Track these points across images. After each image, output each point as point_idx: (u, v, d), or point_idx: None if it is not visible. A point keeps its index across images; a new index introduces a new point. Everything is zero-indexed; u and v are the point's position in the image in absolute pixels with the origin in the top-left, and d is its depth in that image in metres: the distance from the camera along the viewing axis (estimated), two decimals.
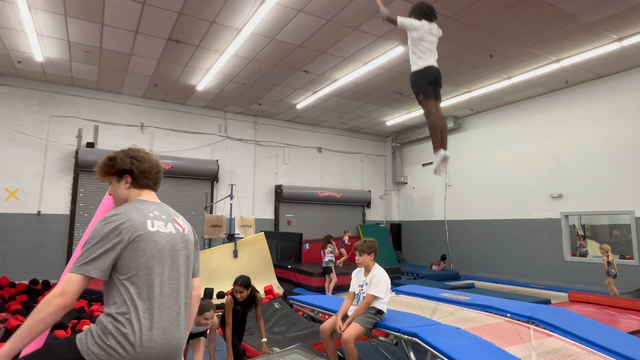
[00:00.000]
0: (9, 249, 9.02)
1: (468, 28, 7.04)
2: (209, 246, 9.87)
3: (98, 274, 1.55)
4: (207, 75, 9.15)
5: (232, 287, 3.95)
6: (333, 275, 8.28)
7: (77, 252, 1.78)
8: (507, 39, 7.44)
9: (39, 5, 6.42)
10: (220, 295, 7.34)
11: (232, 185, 9.97)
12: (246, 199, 11.99)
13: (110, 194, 1.90)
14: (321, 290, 8.48)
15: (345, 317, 3.62)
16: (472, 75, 9.18)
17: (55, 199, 9.66)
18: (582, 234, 11.01)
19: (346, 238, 10.53)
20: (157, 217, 1.74)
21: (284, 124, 13.18)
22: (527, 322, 3.95)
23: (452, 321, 4.07)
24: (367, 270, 3.72)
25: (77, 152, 9.80)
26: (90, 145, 10.07)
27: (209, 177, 11.55)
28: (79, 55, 8.26)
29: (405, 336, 3.34)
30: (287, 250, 11.09)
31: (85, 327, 4.71)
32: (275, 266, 9.53)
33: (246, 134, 12.49)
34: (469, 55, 8.14)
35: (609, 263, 7.45)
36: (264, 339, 4.11)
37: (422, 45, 3.78)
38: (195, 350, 3.55)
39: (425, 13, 3.90)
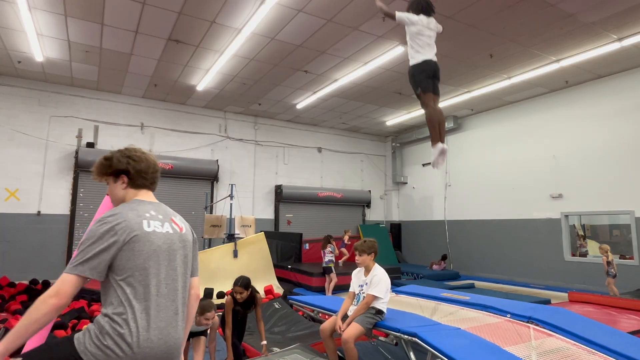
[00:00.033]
0: (9, 249, 9.02)
1: (468, 28, 7.04)
2: (209, 246, 9.88)
3: (93, 274, 1.55)
4: (207, 75, 9.15)
5: (232, 288, 3.94)
6: (333, 275, 8.28)
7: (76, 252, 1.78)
8: (507, 39, 7.44)
9: (39, 5, 6.42)
10: (220, 295, 7.34)
11: (232, 185, 9.97)
12: (246, 199, 11.99)
13: (108, 194, 1.90)
14: (321, 290, 8.48)
15: (345, 317, 3.62)
16: (472, 75, 9.18)
17: (55, 199, 9.66)
18: (582, 234, 11.02)
19: (346, 238, 10.54)
20: (153, 217, 1.74)
21: (284, 124, 13.18)
22: (527, 322, 3.95)
23: (452, 321, 4.07)
24: (367, 270, 3.72)
25: (77, 152, 9.81)
26: (90, 145, 10.07)
27: (209, 177, 11.55)
28: (79, 55, 8.26)
29: (405, 336, 3.34)
30: (287, 250, 11.09)
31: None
32: (275, 266, 9.53)
33: (246, 134, 12.49)
34: (469, 55, 8.14)
35: (608, 263, 7.45)
36: (264, 342, 4.05)
37: (420, 39, 3.80)
38: (196, 349, 3.57)
39: (423, 7, 3.93)
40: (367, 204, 14.47)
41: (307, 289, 8.98)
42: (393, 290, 5.68)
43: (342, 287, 7.74)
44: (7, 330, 4.61)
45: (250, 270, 7.29)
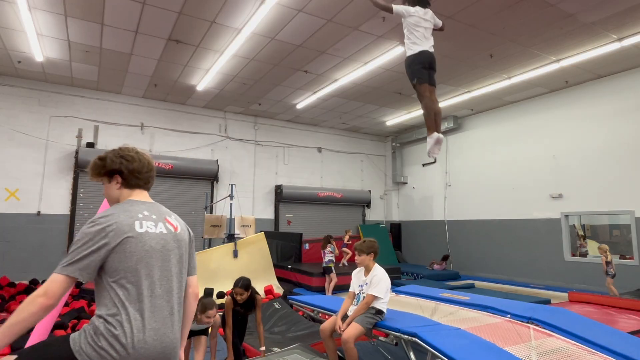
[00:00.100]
0: (9, 249, 9.01)
1: (468, 28, 7.04)
2: (209, 246, 9.88)
3: (82, 275, 1.54)
4: (207, 75, 9.15)
5: (232, 289, 3.93)
6: (333, 275, 8.29)
7: None
8: (507, 39, 7.44)
9: (39, 5, 6.42)
10: (220, 295, 7.34)
11: (232, 185, 9.97)
12: (246, 199, 11.99)
13: (104, 194, 1.90)
14: (321, 290, 8.49)
15: (345, 317, 3.62)
16: (472, 75, 9.18)
17: (55, 199, 9.66)
18: (582, 234, 11.01)
19: (347, 238, 10.54)
20: (146, 217, 1.72)
21: (284, 124, 13.18)
22: (527, 322, 3.95)
23: (452, 321, 4.07)
24: (367, 270, 3.72)
25: (77, 152, 9.80)
26: (90, 145, 10.07)
27: (209, 177, 11.55)
28: (79, 55, 8.26)
29: (405, 336, 3.34)
30: (287, 250, 11.09)
31: None
32: (275, 266, 9.53)
33: (246, 134, 12.49)
34: (469, 55, 8.14)
35: (607, 263, 7.45)
36: (262, 348, 3.94)
37: (417, 31, 3.85)
38: (197, 348, 3.57)
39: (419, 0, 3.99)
40: (367, 204, 14.47)
41: (307, 289, 8.99)
42: (393, 290, 5.68)
43: (342, 287, 7.74)
44: None
45: (250, 270, 7.31)
